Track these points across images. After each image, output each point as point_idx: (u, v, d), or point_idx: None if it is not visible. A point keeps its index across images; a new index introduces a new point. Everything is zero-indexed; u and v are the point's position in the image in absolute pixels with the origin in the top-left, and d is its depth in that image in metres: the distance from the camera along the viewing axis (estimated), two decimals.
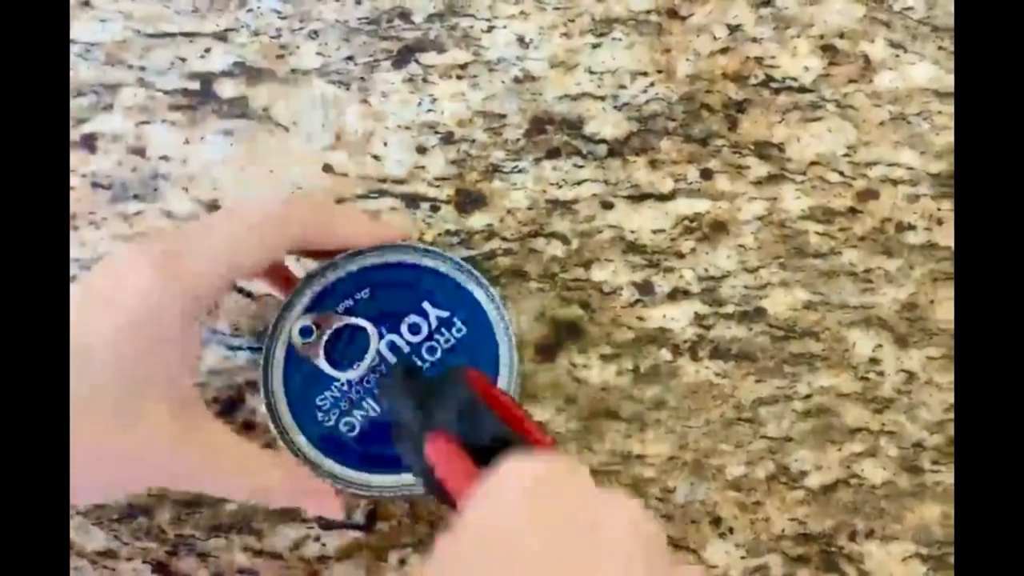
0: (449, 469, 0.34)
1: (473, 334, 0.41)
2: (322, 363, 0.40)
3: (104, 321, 0.35)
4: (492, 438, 0.34)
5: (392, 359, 0.41)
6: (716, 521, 0.43)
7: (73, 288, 0.36)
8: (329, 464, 0.40)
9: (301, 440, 0.40)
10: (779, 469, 0.44)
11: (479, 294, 0.41)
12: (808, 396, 0.44)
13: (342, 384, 0.40)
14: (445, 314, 0.41)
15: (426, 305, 0.41)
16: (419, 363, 0.41)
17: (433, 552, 0.29)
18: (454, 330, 0.41)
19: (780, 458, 0.44)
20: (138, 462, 0.36)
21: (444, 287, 0.41)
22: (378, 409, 0.40)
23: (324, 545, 0.44)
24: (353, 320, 0.41)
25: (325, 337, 0.40)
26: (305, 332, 0.40)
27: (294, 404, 0.40)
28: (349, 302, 0.41)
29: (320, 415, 0.40)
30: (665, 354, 0.45)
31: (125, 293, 0.36)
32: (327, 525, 0.44)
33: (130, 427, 0.35)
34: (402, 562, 0.44)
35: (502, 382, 0.40)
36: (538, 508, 0.29)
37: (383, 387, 0.40)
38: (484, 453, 0.33)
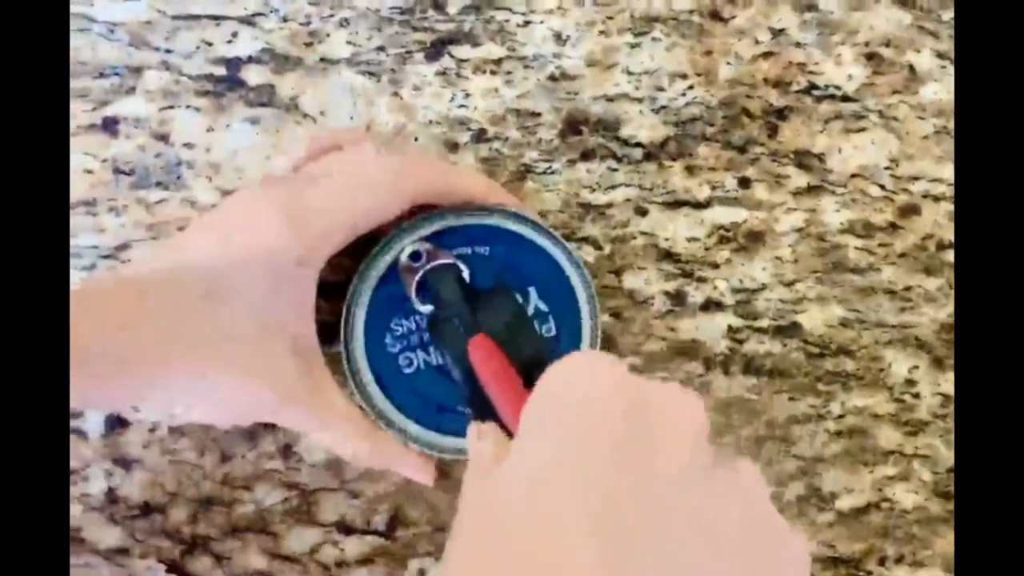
0: (491, 371, 0.35)
1: (562, 337, 0.41)
2: (412, 290, 0.40)
3: (227, 258, 0.36)
4: (532, 356, 0.35)
5: None
6: None
7: (196, 223, 0.38)
8: (374, 390, 0.40)
9: (359, 352, 0.40)
10: (810, 490, 0.43)
11: (583, 304, 0.41)
12: (841, 416, 0.43)
13: (420, 319, 0.40)
14: (544, 308, 0.41)
15: (532, 291, 0.41)
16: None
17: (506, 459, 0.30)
18: (544, 328, 0.41)
19: (811, 479, 0.43)
20: (258, 404, 0.37)
21: (554, 281, 0.41)
22: (440, 360, 0.40)
23: (343, 550, 0.43)
24: (460, 265, 0.40)
25: (427, 267, 0.40)
26: (415, 256, 0.40)
27: (372, 316, 0.41)
28: (467, 250, 0.41)
29: (389, 338, 0.40)
30: (697, 367, 0.44)
31: (249, 232, 0.36)
32: (347, 530, 0.43)
33: (263, 380, 0.36)
34: (422, 571, 0.43)
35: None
36: (597, 406, 0.29)
37: (432, 280, 0.40)
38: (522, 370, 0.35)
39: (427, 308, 0.40)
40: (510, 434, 0.34)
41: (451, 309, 0.38)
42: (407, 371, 0.40)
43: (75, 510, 0.43)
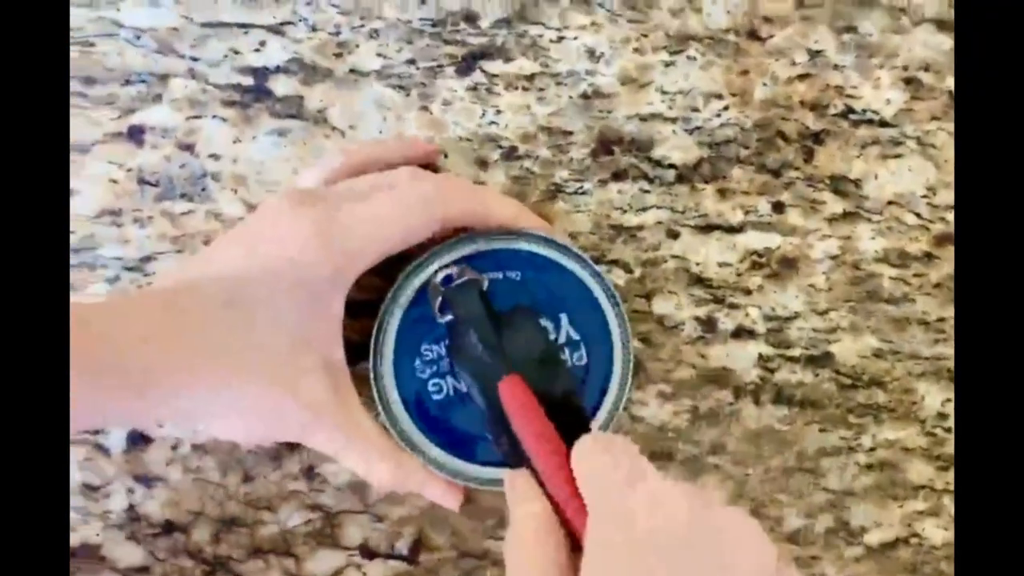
0: (524, 418, 0.34)
1: (593, 366, 0.40)
2: (436, 306, 0.39)
3: (255, 270, 0.36)
4: (564, 392, 0.36)
5: None
6: None
7: (222, 237, 0.38)
8: (401, 413, 0.40)
9: (388, 374, 0.40)
10: (839, 523, 0.42)
11: (615, 331, 0.40)
12: (872, 449, 0.43)
13: (449, 345, 0.40)
14: (576, 336, 0.40)
15: (563, 317, 0.40)
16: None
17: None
18: (576, 355, 0.40)
19: (840, 512, 0.42)
20: (283, 419, 0.37)
21: (585, 307, 0.41)
22: (468, 387, 0.40)
23: (365, 574, 0.42)
24: (483, 279, 0.40)
25: (452, 285, 0.40)
26: (446, 280, 0.40)
27: (402, 338, 0.40)
28: (498, 275, 0.40)
29: (419, 363, 0.40)
30: (726, 396, 0.43)
31: (278, 245, 0.36)
32: (370, 554, 0.42)
33: (288, 391, 0.36)
34: None
35: (597, 421, 0.40)
36: (671, 539, 0.30)
37: (453, 296, 0.39)
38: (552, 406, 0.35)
39: (447, 318, 0.40)
40: (539, 480, 0.34)
41: (472, 326, 0.38)
42: (436, 397, 0.40)
43: (96, 527, 0.43)
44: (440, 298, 0.39)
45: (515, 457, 0.35)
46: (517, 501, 0.34)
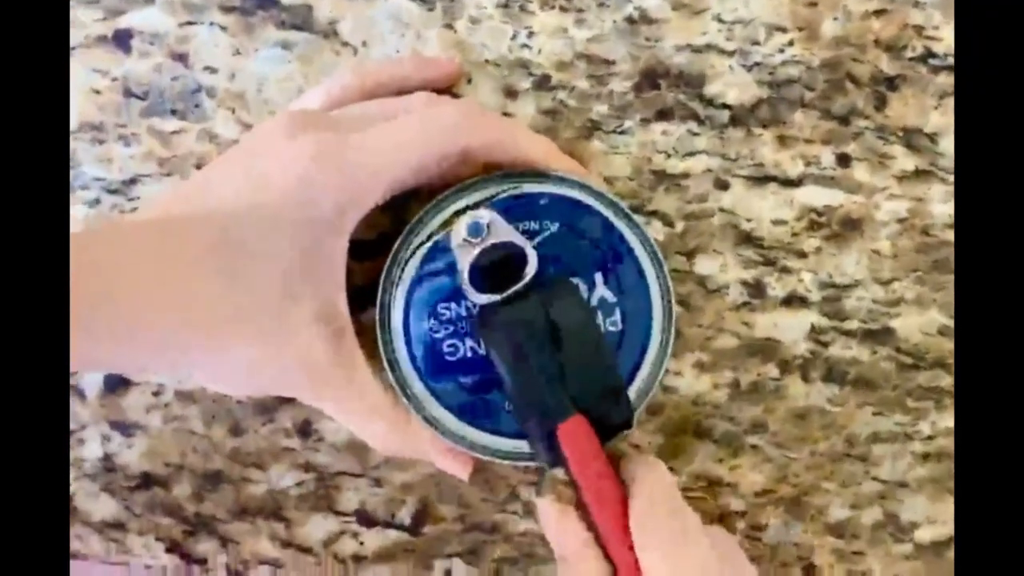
0: (586, 472, 0.32)
1: (628, 331, 0.35)
2: (465, 273, 0.34)
3: (251, 206, 0.32)
4: (622, 422, 0.33)
5: None
6: (809, 568, 0.39)
7: (217, 162, 0.34)
8: (410, 372, 0.36)
9: (397, 328, 0.35)
10: (887, 517, 0.39)
11: (655, 294, 0.36)
12: (930, 437, 0.39)
13: (472, 305, 0.35)
14: (612, 299, 0.36)
15: (598, 277, 0.36)
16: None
17: None
18: (608, 321, 0.35)
19: (890, 505, 0.39)
20: (279, 375, 0.33)
21: (621, 264, 0.36)
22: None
23: (362, 544, 0.39)
24: (527, 247, 0.34)
25: (485, 244, 0.34)
26: (473, 229, 0.34)
27: (415, 289, 0.35)
28: (532, 224, 0.35)
29: (433, 322, 0.35)
30: (771, 370, 0.39)
31: (278, 176, 0.32)
32: (368, 521, 0.39)
33: (279, 345, 0.32)
34: (448, 573, 0.39)
35: (632, 391, 0.36)
36: None
37: (510, 318, 0.34)
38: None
39: (483, 298, 0.34)
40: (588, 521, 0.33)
41: (532, 358, 0.33)
42: (450, 358, 0.35)
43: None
44: (470, 262, 0.34)
45: (550, 459, 0.33)
46: (569, 556, 0.33)
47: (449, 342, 0.35)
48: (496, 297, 0.34)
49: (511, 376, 0.33)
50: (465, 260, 0.34)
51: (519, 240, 0.34)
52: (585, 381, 0.33)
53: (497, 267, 0.34)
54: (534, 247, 0.34)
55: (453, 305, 0.35)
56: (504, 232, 0.34)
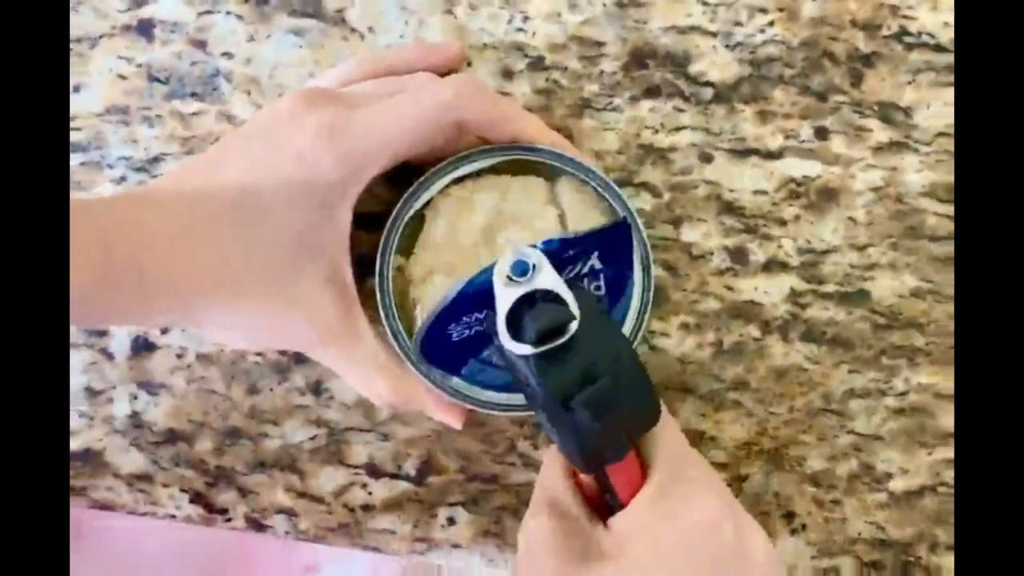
0: (631, 490, 0.33)
1: (611, 295, 0.37)
2: (503, 315, 0.31)
3: (263, 174, 0.35)
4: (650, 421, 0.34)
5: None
6: (789, 516, 0.41)
7: (232, 136, 0.36)
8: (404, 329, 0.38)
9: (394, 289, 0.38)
10: (863, 468, 0.41)
11: (636, 265, 0.38)
12: (903, 393, 0.41)
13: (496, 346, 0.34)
14: (599, 266, 0.36)
15: (595, 253, 0.37)
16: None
17: None
18: (593, 285, 0.37)
19: (865, 456, 0.41)
20: (285, 332, 0.36)
21: (607, 233, 0.36)
22: (499, 364, 0.37)
23: (371, 494, 0.41)
24: (572, 301, 0.32)
25: (528, 289, 0.32)
26: (519, 269, 0.32)
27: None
28: (570, 252, 0.34)
29: (451, 326, 0.35)
30: (753, 331, 0.41)
31: (289, 147, 0.35)
32: (375, 473, 0.41)
33: (289, 302, 0.35)
34: (451, 520, 0.41)
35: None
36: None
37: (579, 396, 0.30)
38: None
39: (520, 348, 0.31)
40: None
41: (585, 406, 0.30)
42: (453, 339, 0.37)
43: (99, 432, 0.42)
44: (510, 306, 0.32)
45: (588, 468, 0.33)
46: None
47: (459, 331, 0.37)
48: (533, 350, 0.31)
49: (554, 425, 0.32)
50: (505, 302, 0.32)
51: (564, 292, 0.31)
52: (621, 399, 0.30)
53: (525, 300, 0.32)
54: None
55: (476, 314, 0.36)
56: (549, 280, 0.32)
